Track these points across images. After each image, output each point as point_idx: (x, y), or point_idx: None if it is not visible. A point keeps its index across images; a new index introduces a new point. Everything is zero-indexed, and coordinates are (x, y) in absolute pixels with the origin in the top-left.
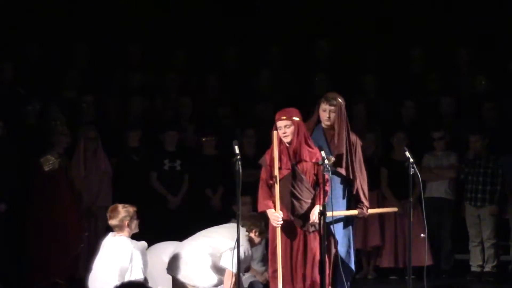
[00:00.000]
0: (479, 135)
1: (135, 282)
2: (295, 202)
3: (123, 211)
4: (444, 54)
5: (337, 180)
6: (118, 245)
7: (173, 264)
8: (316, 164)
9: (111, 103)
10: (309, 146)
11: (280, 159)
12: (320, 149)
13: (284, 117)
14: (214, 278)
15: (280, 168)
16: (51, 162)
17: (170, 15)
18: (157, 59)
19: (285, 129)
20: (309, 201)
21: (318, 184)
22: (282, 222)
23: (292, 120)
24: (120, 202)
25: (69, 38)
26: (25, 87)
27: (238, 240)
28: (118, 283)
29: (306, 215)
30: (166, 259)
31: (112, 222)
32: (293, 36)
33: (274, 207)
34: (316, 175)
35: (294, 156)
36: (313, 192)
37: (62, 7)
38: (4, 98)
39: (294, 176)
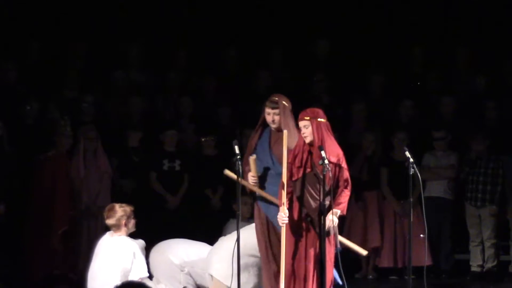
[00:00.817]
0: (480, 135)
1: (135, 282)
2: (311, 201)
3: (120, 211)
4: (444, 54)
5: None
6: (119, 244)
7: (215, 265)
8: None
9: (111, 103)
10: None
11: (301, 159)
12: (320, 149)
13: (307, 118)
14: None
15: (300, 167)
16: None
17: (170, 15)
18: (157, 59)
19: (304, 129)
20: (326, 202)
21: (338, 185)
22: (287, 221)
23: (311, 120)
24: (119, 202)
25: (69, 37)
26: (26, 87)
27: (238, 240)
28: (119, 283)
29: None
30: (170, 257)
31: (109, 221)
32: (293, 36)
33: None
34: (336, 176)
35: (315, 156)
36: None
37: (62, 7)
38: (4, 98)
39: (313, 176)
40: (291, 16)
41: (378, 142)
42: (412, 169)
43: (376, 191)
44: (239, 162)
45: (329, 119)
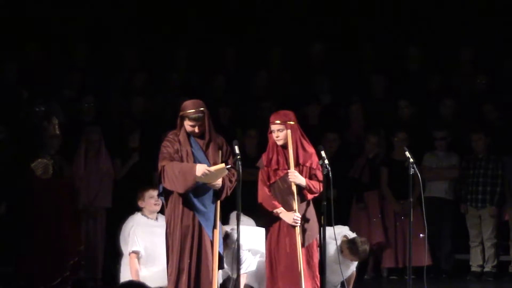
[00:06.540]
0: (481, 133)
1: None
2: (289, 203)
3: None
4: (445, 54)
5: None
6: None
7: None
8: (311, 168)
9: (112, 103)
10: (304, 150)
11: (277, 161)
12: (320, 149)
13: (278, 121)
14: None
15: (277, 169)
16: (42, 166)
17: (171, 15)
18: (158, 59)
19: (278, 132)
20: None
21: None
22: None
23: (285, 124)
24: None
25: (70, 38)
26: (27, 88)
27: (238, 240)
28: None
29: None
30: None
31: None
32: (293, 37)
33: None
34: (310, 177)
35: (289, 157)
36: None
37: (63, 7)
38: (6, 99)
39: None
40: (291, 16)
41: (380, 144)
42: (412, 169)
43: (376, 190)
44: (239, 162)
45: (329, 119)
